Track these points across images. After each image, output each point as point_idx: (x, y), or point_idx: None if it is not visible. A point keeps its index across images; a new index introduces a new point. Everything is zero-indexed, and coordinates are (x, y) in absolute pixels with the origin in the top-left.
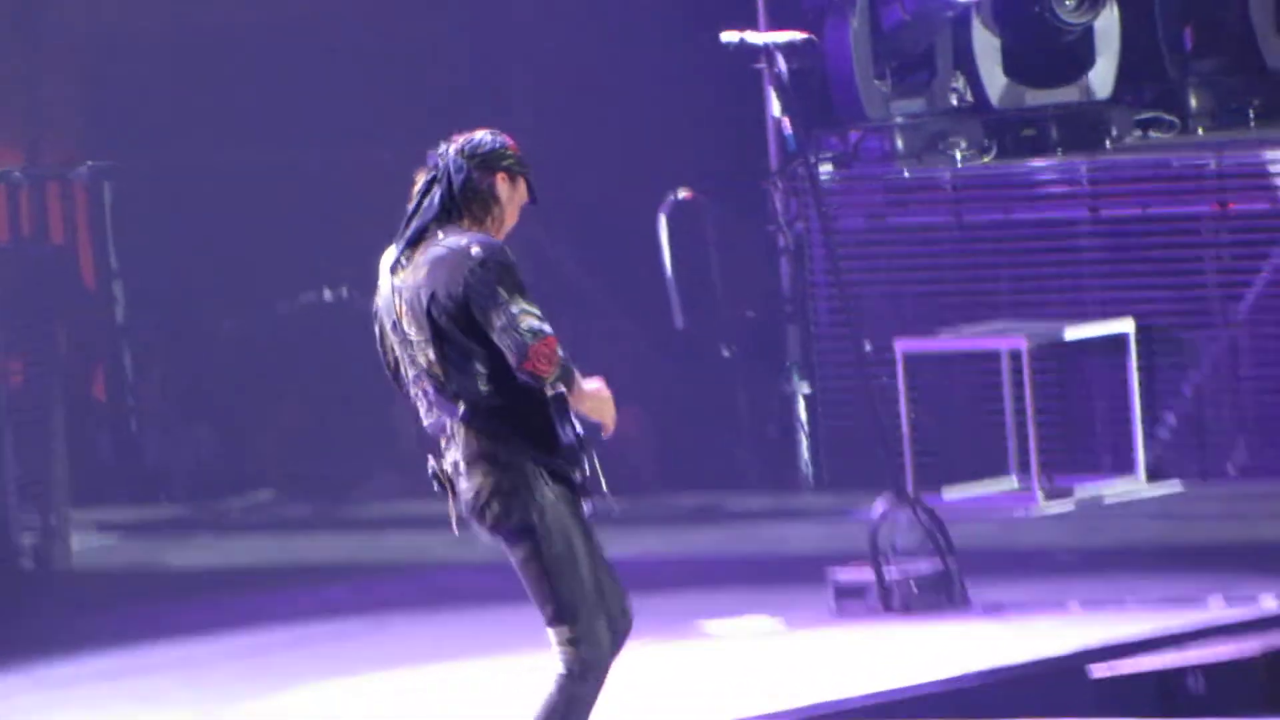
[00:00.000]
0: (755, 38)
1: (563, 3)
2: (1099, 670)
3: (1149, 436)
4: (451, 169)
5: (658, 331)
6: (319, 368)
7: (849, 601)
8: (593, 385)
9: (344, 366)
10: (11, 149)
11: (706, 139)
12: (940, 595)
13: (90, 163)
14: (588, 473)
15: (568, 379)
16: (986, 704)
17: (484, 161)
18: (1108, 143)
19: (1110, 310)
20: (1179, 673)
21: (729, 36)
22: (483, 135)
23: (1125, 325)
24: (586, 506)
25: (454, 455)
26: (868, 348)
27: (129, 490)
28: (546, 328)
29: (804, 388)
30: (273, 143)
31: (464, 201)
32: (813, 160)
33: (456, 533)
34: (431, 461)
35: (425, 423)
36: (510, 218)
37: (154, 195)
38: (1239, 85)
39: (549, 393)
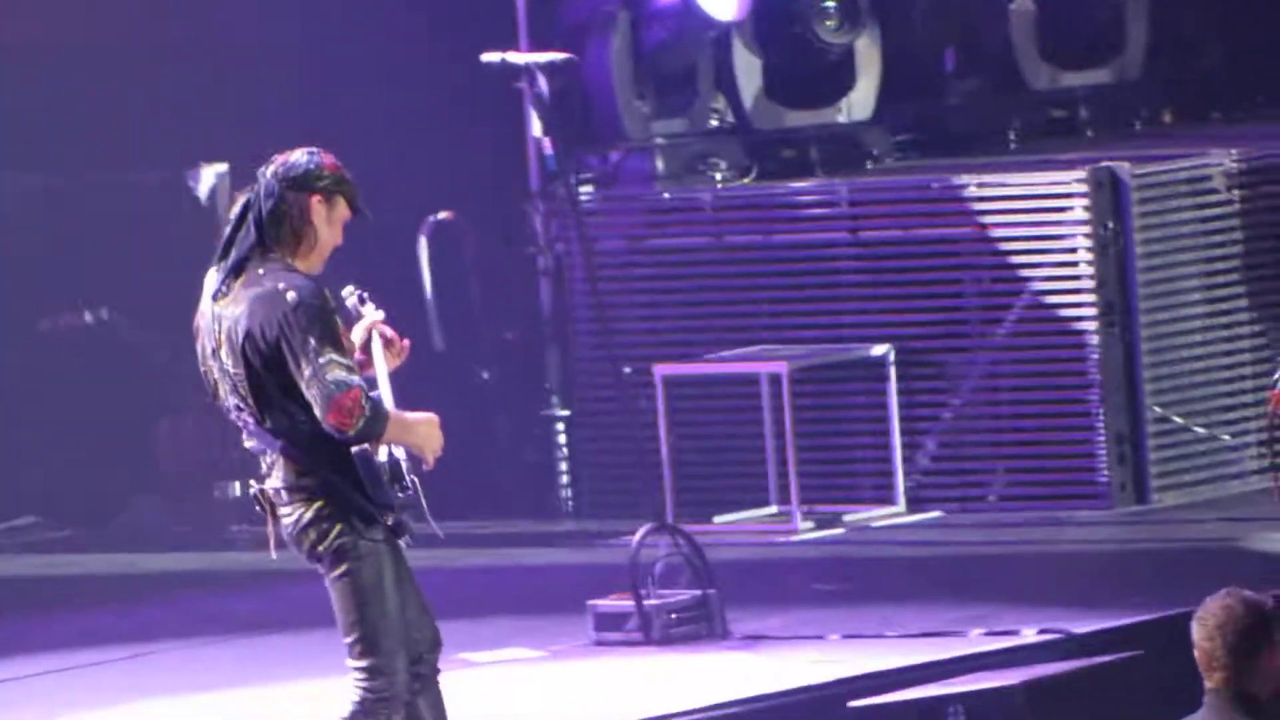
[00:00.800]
0: (516, 58)
1: (321, 21)
2: (858, 702)
3: (909, 463)
4: (263, 193)
5: (417, 354)
6: (80, 390)
7: (609, 631)
8: (420, 417)
9: (105, 389)
10: None
11: (466, 159)
12: (700, 625)
13: None
14: (399, 511)
15: (372, 430)
16: None
17: (296, 183)
18: (868, 164)
19: (870, 333)
20: (939, 704)
21: (490, 57)
22: (298, 156)
23: (884, 349)
24: (403, 542)
25: (275, 481)
26: (627, 370)
27: None
28: (353, 379)
29: (562, 411)
30: (37, 161)
31: (277, 226)
32: (573, 181)
33: (274, 555)
34: (253, 484)
35: (246, 444)
36: (330, 238)
37: None
38: (1000, 107)
39: (352, 447)
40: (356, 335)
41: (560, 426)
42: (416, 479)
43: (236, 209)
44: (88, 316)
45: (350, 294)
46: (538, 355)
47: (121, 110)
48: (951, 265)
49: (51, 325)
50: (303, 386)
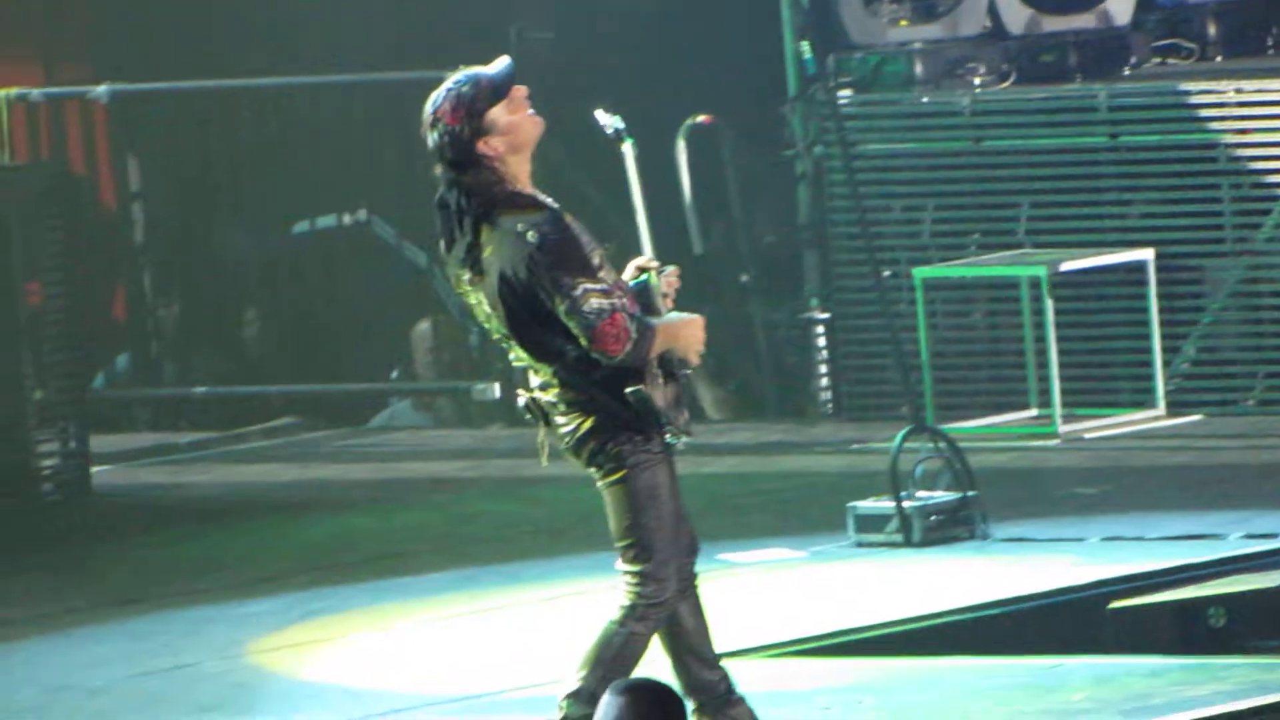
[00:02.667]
0: None
1: None
2: (1118, 604)
3: (1168, 367)
4: (444, 185)
5: (676, 258)
6: (338, 292)
7: (869, 533)
8: (684, 320)
9: (363, 291)
10: (30, 70)
11: (725, 63)
12: (960, 527)
13: (109, 83)
14: (667, 421)
15: (640, 351)
16: (1005, 636)
17: (460, 159)
18: (1126, 69)
19: (1129, 238)
20: (1199, 605)
21: None
22: (437, 136)
23: (1144, 253)
24: (679, 443)
25: (549, 396)
26: (886, 274)
27: (149, 415)
28: (612, 304)
29: (821, 314)
30: (295, 64)
31: (477, 196)
32: (831, 85)
33: (545, 463)
34: (522, 393)
35: (515, 363)
36: (521, 141)
37: (173, 116)
38: (1257, 12)
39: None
40: (627, 273)
41: (819, 329)
42: (686, 372)
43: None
44: (345, 219)
45: (608, 124)
46: (796, 258)
47: (379, 9)
48: (1210, 170)
49: (309, 228)
50: (564, 320)
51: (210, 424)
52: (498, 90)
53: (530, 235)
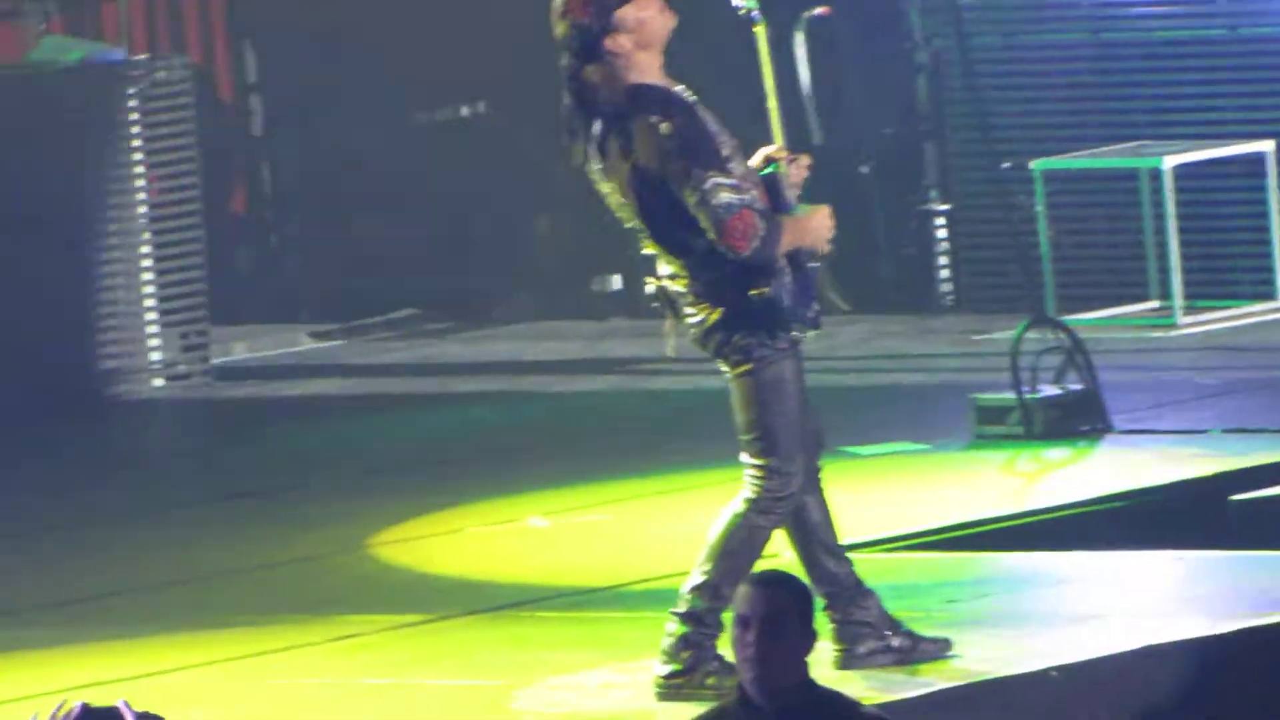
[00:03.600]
0: None
1: None
2: (1239, 496)
3: None
4: (568, 81)
5: (795, 148)
6: (458, 184)
7: (990, 424)
8: (812, 214)
9: (483, 183)
10: None
11: None
12: (1082, 419)
13: None
14: (792, 318)
15: (768, 248)
16: (1127, 528)
17: (581, 54)
18: None
19: (1249, 130)
20: None
21: None
22: (562, 32)
23: (1264, 145)
24: (799, 339)
25: (678, 286)
26: (1005, 165)
27: (268, 307)
28: (741, 199)
29: (941, 205)
30: None
31: (605, 92)
32: None
33: (670, 352)
34: (651, 281)
35: (645, 251)
36: (651, 38)
37: (290, 7)
38: None
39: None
40: (754, 160)
41: (939, 220)
42: (817, 263)
43: (565, 88)
44: (464, 110)
45: (741, 5)
46: (915, 150)
47: None
48: None
49: (428, 119)
50: (694, 213)
51: (331, 317)
52: None
53: (663, 127)
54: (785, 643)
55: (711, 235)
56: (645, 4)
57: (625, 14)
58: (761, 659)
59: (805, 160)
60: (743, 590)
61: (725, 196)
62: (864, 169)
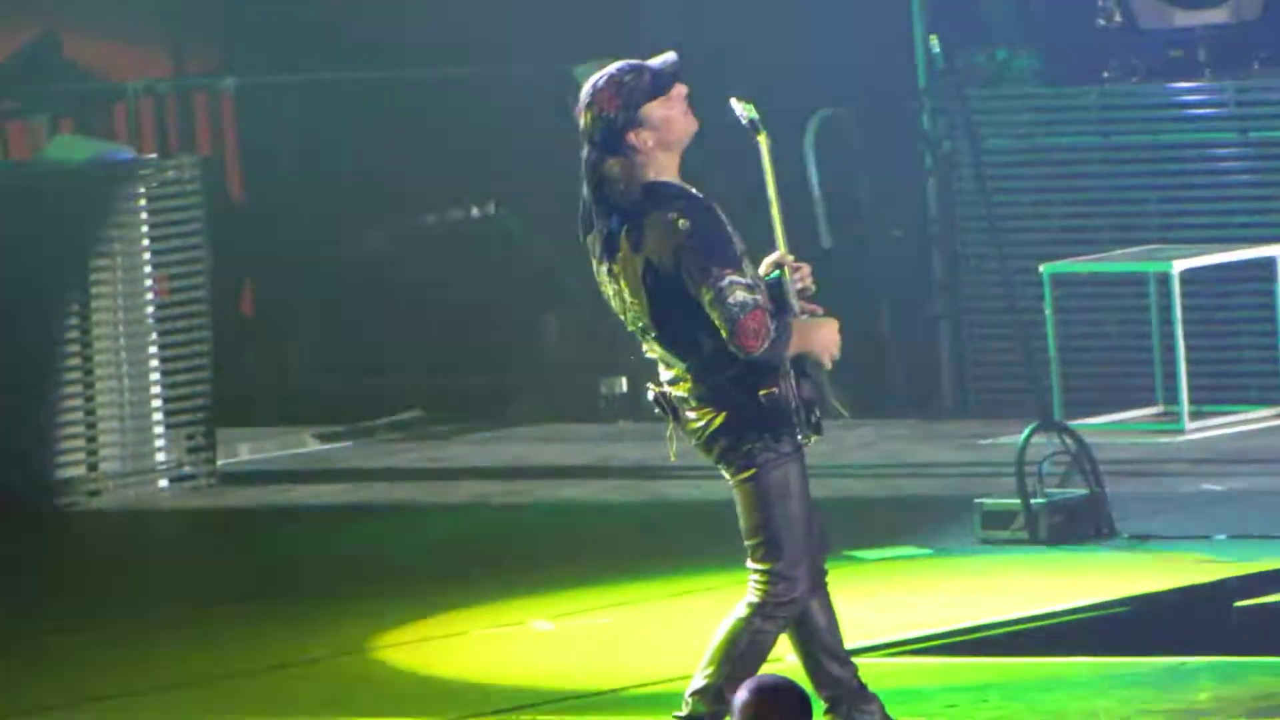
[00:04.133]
0: None
1: None
2: (1245, 602)
3: None
4: (588, 170)
5: (804, 251)
6: (467, 284)
7: (995, 529)
8: (820, 324)
9: (492, 283)
10: (158, 61)
11: (854, 55)
12: (1087, 524)
13: (236, 75)
14: (798, 420)
15: (777, 350)
16: (1130, 634)
17: (606, 146)
18: (1256, 64)
19: (1259, 234)
20: None
21: None
22: (586, 121)
23: (1274, 250)
24: (804, 443)
25: (680, 391)
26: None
27: (276, 408)
28: (755, 299)
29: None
30: (423, 56)
31: (622, 183)
32: (960, 78)
33: (673, 458)
34: (653, 387)
35: (648, 354)
36: (670, 140)
37: (302, 108)
38: None
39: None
40: (762, 268)
41: (945, 325)
42: (821, 376)
43: (584, 177)
44: (474, 211)
45: (744, 115)
46: (924, 253)
47: (506, 3)
48: None
49: (438, 220)
50: (707, 310)
51: (336, 418)
52: (659, 85)
53: (681, 223)
54: None
55: (724, 333)
56: (671, 104)
57: (651, 110)
58: None
59: (807, 269)
60: (746, 698)
61: (741, 295)
62: (898, 232)
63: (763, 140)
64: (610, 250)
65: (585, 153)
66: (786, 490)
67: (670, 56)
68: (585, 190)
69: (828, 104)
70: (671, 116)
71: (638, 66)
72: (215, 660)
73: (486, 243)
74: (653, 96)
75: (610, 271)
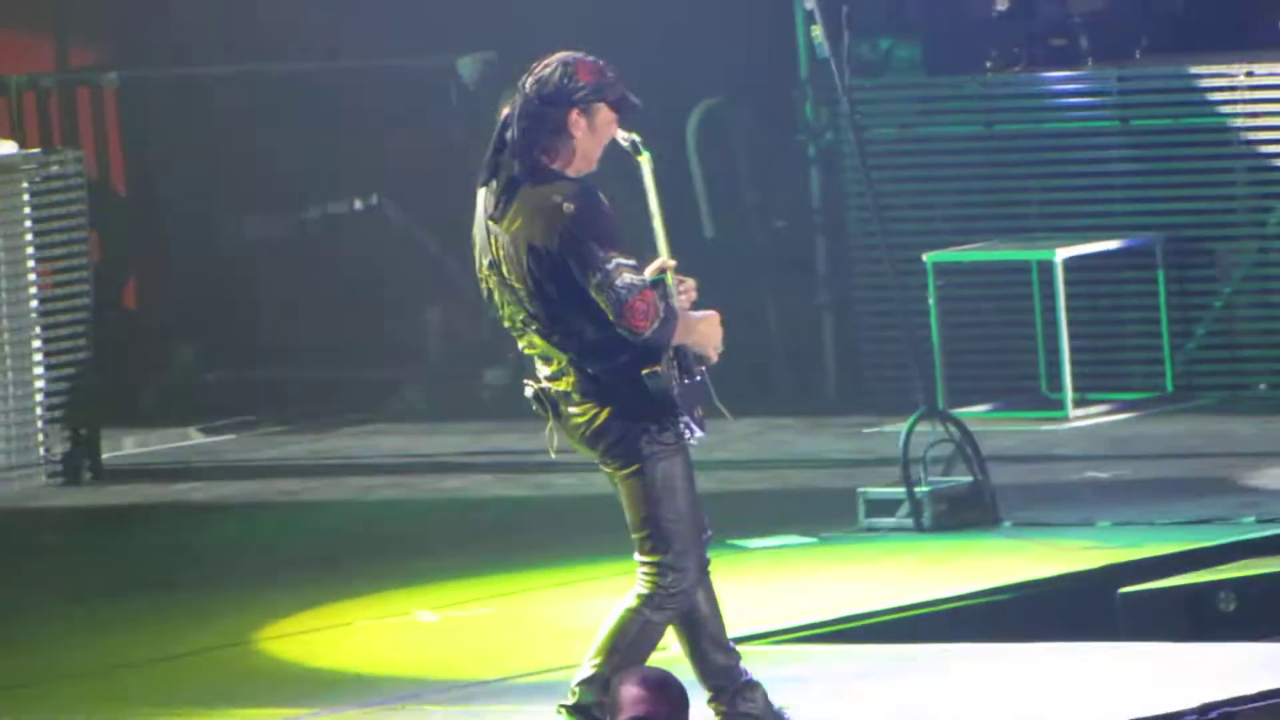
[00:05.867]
0: None
1: None
2: (1128, 589)
3: (1178, 352)
4: (519, 113)
5: (688, 242)
6: (349, 277)
7: (880, 517)
8: (703, 316)
9: (375, 276)
10: (42, 55)
11: (736, 46)
12: (971, 512)
13: (120, 69)
14: (690, 415)
15: (665, 331)
16: (1015, 620)
17: (551, 99)
18: (1137, 53)
19: (1140, 222)
20: (1209, 590)
21: None
22: (551, 70)
23: (1154, 237)
24: (694, 440)
25: (563, 386)
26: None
27: (160, 403)
28: (643, 280)
29: (832, 299)
30: (306, 49)
31: (537, 144)
32: (843, 68)
33: (553, 455)
34: (531, 383)
35: (526, 351)
36: (594, 145)
37: (187, 101)
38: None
39: (642, 371)
40: (646, 273)
41: (829, 314)
42: (704, 369)
43: (500, 123)
44: (357, 204)
45: (626, 138)
46: (808, 243)
47: None
48: (1222, 154)
49: (320, 212)
50: (593, 294)
51: (220, 412)
52: (621, 102)
53: (566, 206)
54: None
55: (611, 315)
56: (612, 126)
57: (601, 110)
58: None
59: (692, 284)
60: (634, 692)
61: (628, 277)
62: (780, 223)
63: (644, 160)
64: (501, 208)
65: (521, 100)
66: (672, 483)
67: (636, 100)
68: (508, 134)
69: (711, 94)
70: (606, 134)
71: (617, 75)
72: (101, 653)
73: (368, 234)
74: (611, 106)
75: (493, 261)
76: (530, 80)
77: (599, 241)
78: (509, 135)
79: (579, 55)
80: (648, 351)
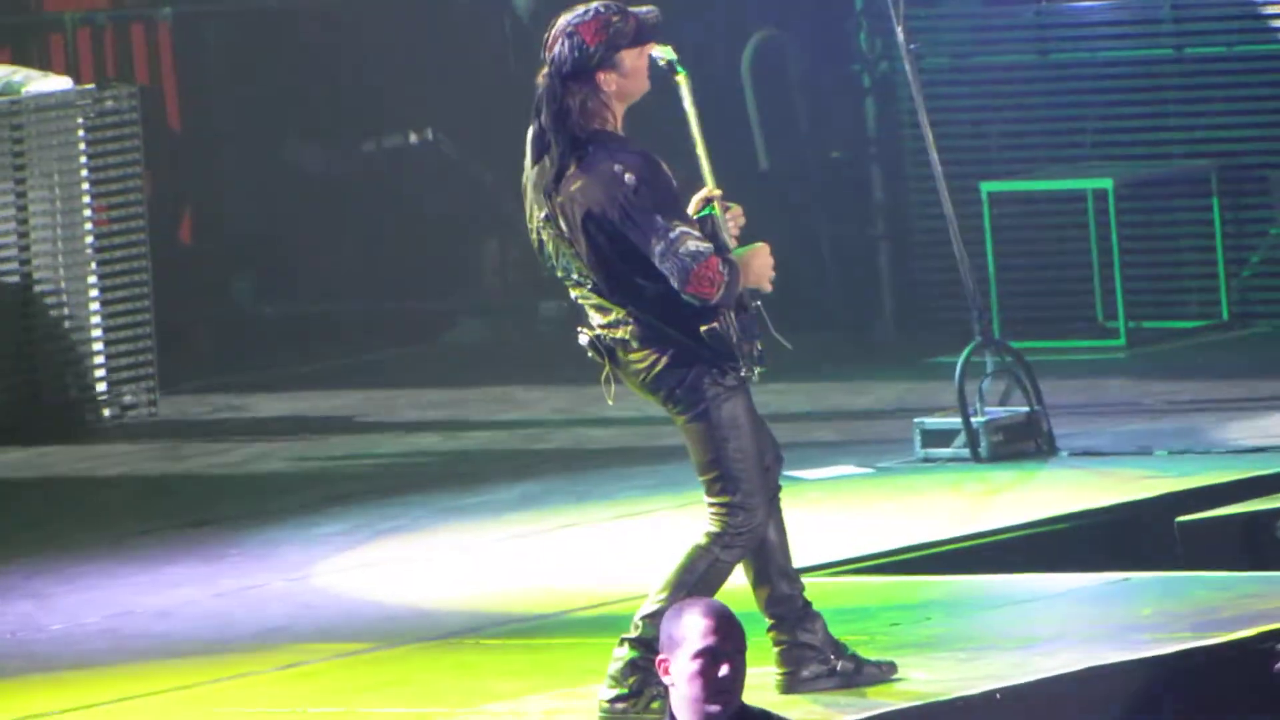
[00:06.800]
0: None
1: None
2: (1185, 517)
3: (1233, 278)
4: (547, 97)
5: (742, 175)
6: (406, 211)
7: (936, 448)
8: (752, 251)
9: (431, 210)
10: None
11: None
12: (1027, 441)
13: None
14: (745, 351)
15: (731, 292)
16: (1071, 550)
17: (573, 76)
18: None
19: (1195, 149)
20: (1267, 519)
21: None
22: (561, 45)
23: (1208, 164)
24: (748, 375)
25: (620, 334)
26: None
27: (216, 338)
28: (707, 247)
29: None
30: None
31: (574, 116)
32: None
33: (611, 401)
34: (585, 331)
35: (580, 301)
36: (632, 88)
37: (240, 35)
38: None
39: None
40: (691, 206)
41: (885, 245)
42: (758, 302)
43: (534, 107)
44: (412, 137)
45: (661, 57)
46: (863, 173)
47: None
48: (1276, 81)
49: (376, 146)
50: (655, 261)
51: (279, 344)
52: (640, 34)
53: (627, 176)
54: (744, 672)
55: (676, 284)
56: (641, 56)
57: (625, 57)
58: (738, 690)
59: (739, 209)
60: (704, 623)
61: (693, 245)
62: (836, 154)
63: (682, 80)
64: (557, 182)
65: (547, 80)
66: (736, 423)
67: (653, 10)
68: (542, 118)
69: (765, 26)
70: (639, 68)
71: (623, 10)
72: (159, 588)
73: (424, 168)
74: (633, 44)
75: (549, 215)
76: (548, 61)
77: (660, 210)
78: (544, 120)
79: (579, 18)
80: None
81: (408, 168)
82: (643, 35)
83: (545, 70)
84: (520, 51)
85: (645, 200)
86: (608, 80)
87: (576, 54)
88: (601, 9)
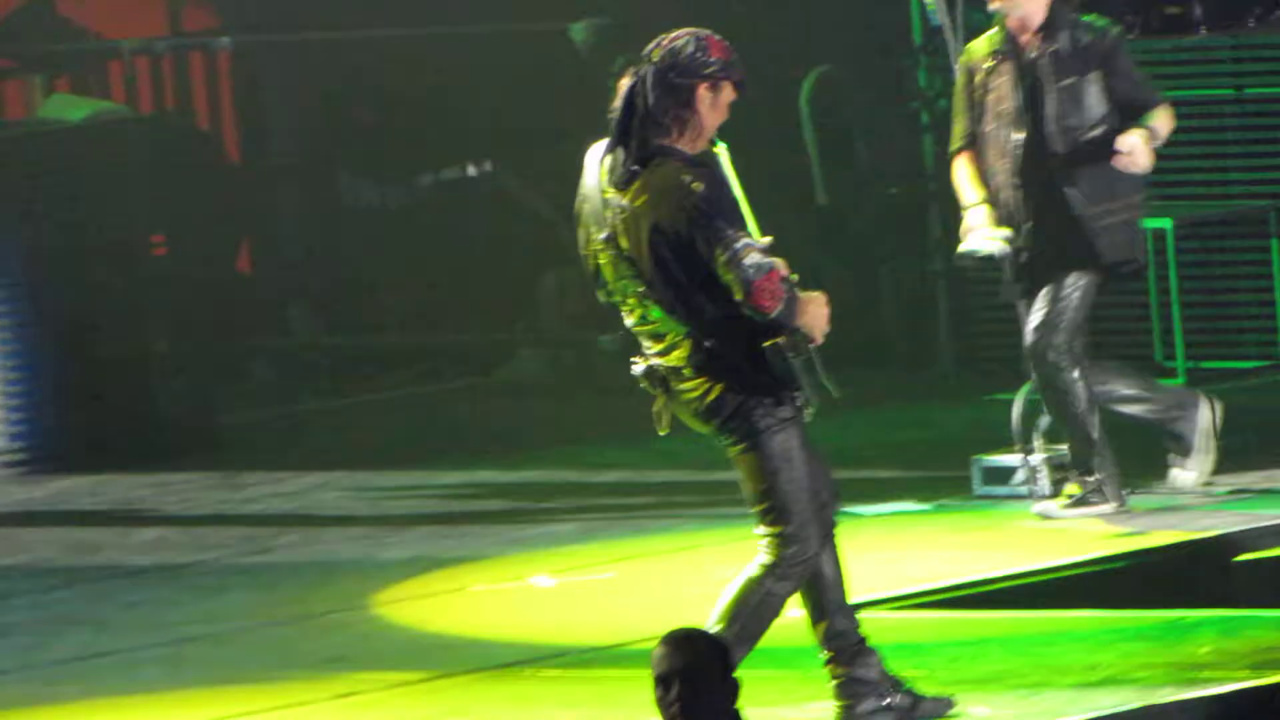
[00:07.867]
0: None
1: None
2: (1243, 556)
3: None
4: (650, 83)
5: (801, 208)
6: (464, 243)
7: (994, 485)
8: (810, 297)
9: (489, 241)
10: (155, 19)
11: (850, 12)
12: None
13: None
14: (800, 385)
15: (791, 310)
16: (1129, 588)
17: (683, 72)
18: (1251, 21)
19: (1254, 189)
20: None
21: None
22: (684, 43)
23: (1267, 205)
24: (803, 407)
25: (674, 360)
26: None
27: (274, 368)
28: (771, 260)
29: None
30: (417, 15)
31: (665, 115)
32: (956, 35)
33: (663, 431)
34: (640, 361)
35: (635, 327)
36: (714, 122)
37: (299, 66)
38: None
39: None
40: None
41: (943, 282)
42: (811, 347)
43: (622, 94)
44: (471, 170)
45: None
46: (920, 210)
47: None
48: None
49: (434, 179)
50: (720, 272)
51: (335, 374)
52: (741, 86)
53: (695, 185)
54: (707, 698)
55: (738, 295)
56: (730, 97)
57: (725, 88)
58: (687, 716)
59: (783, 264)
60: (657, 651)
61: (756, 257)
62: (893, 190)
63: (720, 150)
64: (626, 178)
65: (651, 72)
66: (789, 455)
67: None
68: (635, 103)
69: (824, 61)
70: (725, 107)
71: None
72: (214, 616)
73: (482, 200)
74: (735, 83)
75: (609, 235)
76: (660, 52)
77: (726, 221)
78: (638, 104)
79: (709, 32)
80: (768, 326)
81: (466, 199)
82: (743, 86)
83: (650, 64)
84: (579, 87)
85: (713, 207)
86: (703, 98)
87: (698, 54)
88: (723, 39)
